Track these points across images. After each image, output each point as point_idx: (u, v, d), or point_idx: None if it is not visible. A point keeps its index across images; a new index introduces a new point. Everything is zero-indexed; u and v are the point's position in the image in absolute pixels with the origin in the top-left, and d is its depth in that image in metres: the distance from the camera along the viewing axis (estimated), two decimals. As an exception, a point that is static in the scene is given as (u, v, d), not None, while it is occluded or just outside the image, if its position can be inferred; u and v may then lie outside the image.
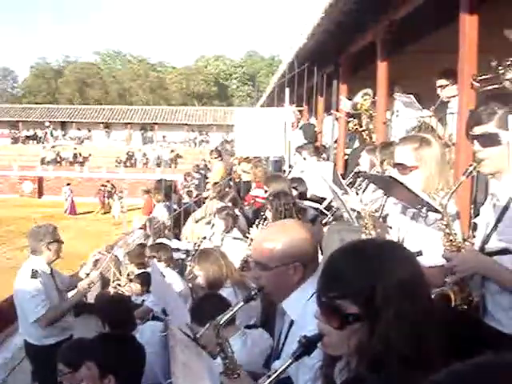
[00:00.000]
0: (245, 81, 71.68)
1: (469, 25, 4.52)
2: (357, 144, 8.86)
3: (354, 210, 4.29)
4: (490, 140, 2.43)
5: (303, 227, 2.49)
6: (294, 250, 2.34)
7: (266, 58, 74.79)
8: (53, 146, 43.17)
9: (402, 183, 2.81)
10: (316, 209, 6.66)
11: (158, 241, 8.15)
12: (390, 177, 3.00)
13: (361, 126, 8.26)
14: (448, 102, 5.76)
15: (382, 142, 5.82)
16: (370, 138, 7.79)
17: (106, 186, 34.75)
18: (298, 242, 2.36)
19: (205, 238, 6.85)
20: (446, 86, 5.76)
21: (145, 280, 6.43)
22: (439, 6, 5.42)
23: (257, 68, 72.25)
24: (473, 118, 2.55)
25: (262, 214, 5.52)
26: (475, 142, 2.50)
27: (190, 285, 5.92)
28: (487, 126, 2.46)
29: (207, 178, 14.52)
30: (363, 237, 3.31)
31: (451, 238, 2.55)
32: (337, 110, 9.33)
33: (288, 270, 2.35)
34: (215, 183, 10.33)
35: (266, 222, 5.35)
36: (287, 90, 10.28)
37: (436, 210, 2.64)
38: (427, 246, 2.89)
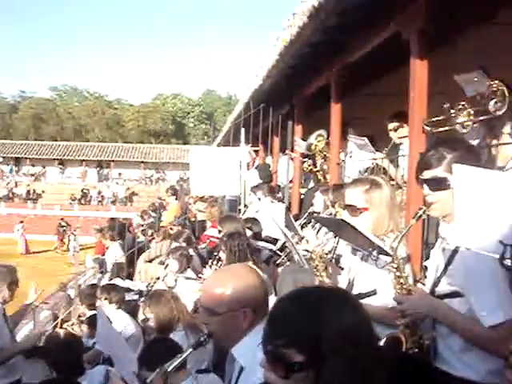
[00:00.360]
0: (202, 119, 72.00)
1: (419, 70, 4.62)
2: (312, 184, 8.93)
3: (308, 251, 4.30)
4: (439, 184, 2.46)
5: (253, 272, 2.46)
6: (244, 296, 2.31)
7: (223, 96, 75.46)
8: (7, 183, 42.43)
9: (352, 226, 2.83)
10: (270, 249, 6.66)
11: (111, 281, 8.02)
12: (341, 219, 3.02)
13: (315, 167, 8.34)
14: (400, 144, 5.86)
15: (334, 183, 5.87)
16: (325, 178, 7.87)
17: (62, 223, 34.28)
18: (248, 287, 2.33)
19: (158, 278, 6.77)
20: (398, 128, 5.87)
21: (95, 322, 6.28)
22: (391, 50, 5.54)
23: (214, 107, 72.73)
24: (422, 162, 2.59)
25: (216, 254, 5.48)
26: (425, 185, 2.53)
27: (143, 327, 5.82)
28: (436, 171, 2.50)
29: (162, 217, 14.42)
30: (315, 279, 3.31)
31: (402, 280, 2.55)
32: (292, 151, 9.40)
33: (237, 316, 2.32)
34: (169, 223, 10.26)
35: (219, 262, 5.31)
36: (243, 130, 10.35)
37: (386, 253, 2.65)
38: (378, 287, 2.89)
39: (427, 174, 2.52)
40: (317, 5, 5.05)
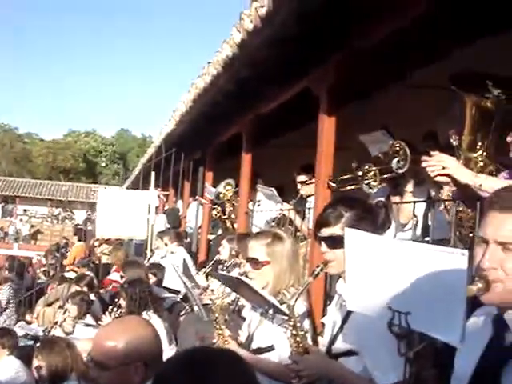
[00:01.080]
0: (114, 159, 70.94)
1: (327, 126, 4.73)
2: (220, 231, 8.91)
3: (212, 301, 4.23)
4: (336, 242, 2.47)
5: (147, 324, 2.39)
6: (136, 349, 2.23)
7: (137, 137, 74.78)
8: None
9: (248, 284, 2.81)
10: (175, 297, 6.54)
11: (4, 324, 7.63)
12: (237, 278, 2.99)
13: (224, 214, 8.34)
14: (308, 195, 5.94)
15: (240, 233, 5.85)
16: (233, 226, 7.87)
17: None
18: (141, 341, 2.25)
19: (56, 323, 6.51)
20: (306, 181, 5.96)
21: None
22: (302, 104, 5.66)
23: (128, 147, 71.89)
24: (320, 219, 2.60)
25: (117, 300, 5.33)
26: (322, 243, 2.54)
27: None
28: (334, 229, 2.51)
29: (66, 258, 13.97)
30: (214, 332, 3.24)
31: (298, 339, 2.53)
32: (202, 197, 9.37)
33: (129, 371, 2.23)
34: (70, 264, 9.95)
35: (119, 310, 5.16)
36: (153, 174, 10.25)
37: (282, 313, 2.63)
38: (276, 344, 2.87)
39: (325, 232, 2.53)
40: (230, 56, 5.11)
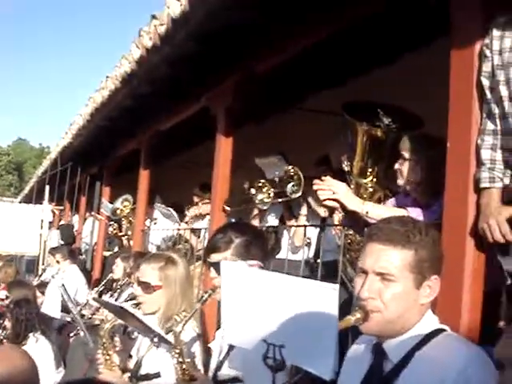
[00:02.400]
0: (10, 169, 68.15)
1: (224, 147, 4.73)
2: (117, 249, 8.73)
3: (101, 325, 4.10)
4: None
5: (22, 354, 2.26)
6: (8, 381, 2.10)
7: (35, 147, 72.29)
8: None
9: (132, 314, 2.74)
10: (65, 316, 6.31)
11: None
12: (120, 307, 2.91)
13: (120, 231, 8.18)
14: (207, 214, 5.92)
15: (135, 251, 5.74)
16: (129, 243, 7.73)
17: None
18: (13, 372, 2.13)
19: None
20: (203, 199, 5.95)
21: None
22: (200, 123, 5.65)
23: (24, 157, 69.31)
24: (210, 245, 2.58)
25: (1, 322, 5.06)
26: (212, 268, 2.52)
27: None
28: (224, 254, 2.49)
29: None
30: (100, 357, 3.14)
31: (184, 366, 2.49)
32: (98, 213, 9.15)
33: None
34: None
35: (4, 331, 4.90)
36: (47, 188, 9.92)
37: (167, 342, 2.59)
38: (163, 370, 2.81)
39: (214, 258, 2.51)
40: (129, 71, 5.04)
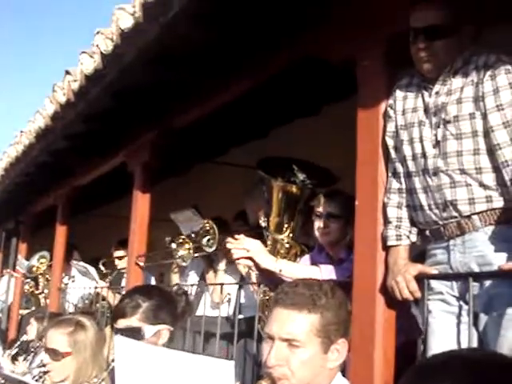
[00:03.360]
0: None
1: (140, 203, 4.66)
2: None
3: None
4: (132, 334, 2.37)
5: None
6: None
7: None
8: None
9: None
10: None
11: None
12: (19, 381, 2.77)
13: (37, 289, 7.88)
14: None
15: (51, 312, 5.53)
16: (47, 302, 7.44)
17: None
18: None
19: None
20: (123, 257, 5.81)
21: None
22: (118, 178, 5.56)
23: None
24: (117, 310, 2.50)
25: None
26: (119, 334, 2.42)
27: None
28: (131, 320, 2.41)
29: None
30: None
31: None
32: (14, 270, 8.80)
33: None
34: None
35: None
36: (-40, 244, 9.51)
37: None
38: None
39: (122, 323, 2.43)
40: (43, 127, 4.94)
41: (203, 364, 1.70)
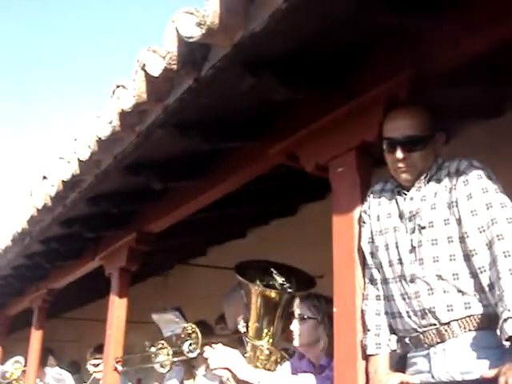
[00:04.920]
0: None
1: (117, 308, 4.58)
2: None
3: None
4: None
5: None
6: None
7: None
8: None
9: None
10: None
11: None
12: None
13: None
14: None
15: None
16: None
17: None
18: None
19: None
20: (100, 364, 5.64)
21: None
22: (96, 280, 5.48)
23: None
24: None
25: None
26: None
27: None
28: None
29: None
30: None
31: None
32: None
33: None
34: None
35: None
36: None
37: None
38: None
39: None
40: (20, 230, 4.90)
41: None
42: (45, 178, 4.19)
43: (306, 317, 3.00)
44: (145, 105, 2.73)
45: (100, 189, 3.87)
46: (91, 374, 5.85)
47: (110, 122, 3.01)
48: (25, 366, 7.17)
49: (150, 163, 3.52)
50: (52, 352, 7.34)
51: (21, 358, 7.30)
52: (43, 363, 6.91)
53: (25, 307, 7.32)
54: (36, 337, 6.76)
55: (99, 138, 3.15)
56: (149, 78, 2.58)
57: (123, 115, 2.88)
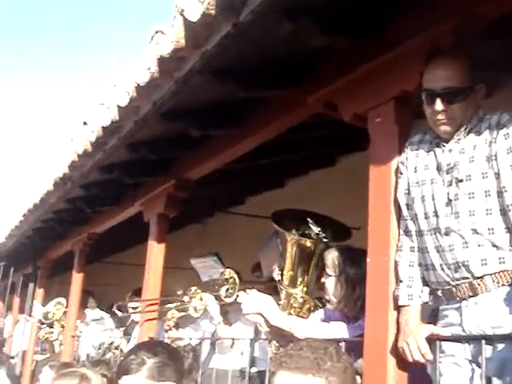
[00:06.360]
0: None
1: (155, 253, 4.65)
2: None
3: None
4: None
5: None
6: None
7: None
8: None
9: None
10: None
11: None
12: None
13: (52, 335, 7.84)
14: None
15: (62, 362, 5.47)
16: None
17: None
18: None
19: None
20: (137, 307, 5.78)
21: None
22: (135, 227, 5.57)
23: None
24: (121, 366, 2.44)
25: None
26: None
27: None
28: (136, 377, 2.36)
29: None
30: None
31: None
32: (29, 315, 8.79)
33: None
34: None
35: None
36: (-23, 288, 9.56)
37: None
38: None
39: (126, 381, 2.38)
40: (61, 175, 4.98)
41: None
42: (85, 123, 4.23)
43: (328, 272, 3.01)
44: (183, 51, 2.71)
45: (139, 135, 3.89)
46: (130, 317, 6.01)
47: (149, 69, 3.00)
48: (66, 307, 7.40)
49: (187, 110, 3.51)
50: (92, 294, 7.55)
51: (62, 300, 7.52)
52: (84, 305, 7.13)
53: (66, 251, 7.51)
54: (77, 279, 6.95)
55: (138, 85, 3.15)
56: (187, 24, 2.55)
57: (161, 61, 2.87)
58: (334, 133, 4.08)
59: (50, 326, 7.83)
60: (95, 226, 6.37)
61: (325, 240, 3.59)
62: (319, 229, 3.67)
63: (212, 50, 2.67)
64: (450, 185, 2.22)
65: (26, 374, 8.62)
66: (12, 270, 9.42)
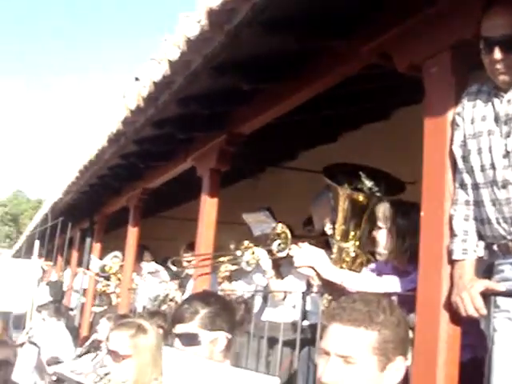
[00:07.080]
0: (6, 221, 67.92)
1: (208, 207, 4.70)
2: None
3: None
4: (190, 340, 2.39)
5: None
6: None
7: (32, 199, 72.15)
8: None
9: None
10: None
11: None
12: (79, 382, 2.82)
13: (109, 288, 8.08)
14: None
15: (118, 314, 5.62)
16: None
17: None
18: None
19: None
20: (191, 260, 5.87)
21: None
22: (187, 181, 5.63)
23: (21, 209, 69.12)
24: (176, 315, 2.51)
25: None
26: (177, 340, 2.44)
27: None
28: (189, 325, 2.42)
29: None
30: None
31: None
32: (87, 268, 9.05)
33: None
34: None
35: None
36: (37, 243, 9.82)
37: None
38: None
39: (180, 329, 2.44)
40: (115, 131, 5.04)
41: (248, 379, 1.68)
42: (137, 79, 4.25)
43: (379, 224, 2.99)
44: (233, 2, 2.68)
45: (190, 90, 3.88)
46: (184, 270, 6.12)
47: (199, 21, 2.98)
48: (122, 260, 7.58)
49: (239, 64, 3.47)
50: (148, 248, 7.72)
51: (119, 253, 7.72)
52: (139, 259, 7.29)
53: (122, 206, 7.66)
54: (132, 234, 7.10)
55: (188, 38, 3.14)
56: (237, -25, 2.51)
57: (211, 14, 2.84)
58: (388, 85, 3.99)
59: (107, 278, 8.06)
60: (149, 182, 6.46)
61: (377, 194, 3.55)
62: (372, 183, 3.62)
63: (262, 1, 2.62)
64: (508, 136, 2.16)
65: (85, 326, 8.92)
66: (70, 225, 9.66)
